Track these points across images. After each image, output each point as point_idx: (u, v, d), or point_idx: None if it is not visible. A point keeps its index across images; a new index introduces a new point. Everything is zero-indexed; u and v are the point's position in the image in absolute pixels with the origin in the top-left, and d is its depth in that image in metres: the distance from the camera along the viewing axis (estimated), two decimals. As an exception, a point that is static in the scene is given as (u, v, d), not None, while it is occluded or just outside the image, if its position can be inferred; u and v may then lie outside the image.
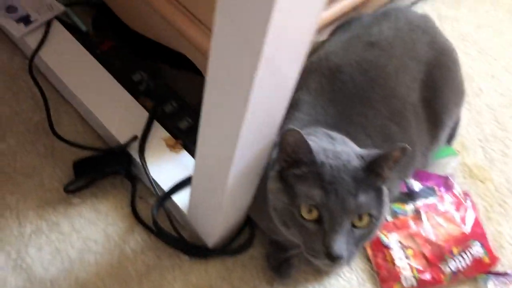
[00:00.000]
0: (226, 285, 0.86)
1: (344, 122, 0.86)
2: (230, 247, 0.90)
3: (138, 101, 0.99)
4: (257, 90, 0.54)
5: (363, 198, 0.68)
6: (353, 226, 0.69)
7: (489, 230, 1.03)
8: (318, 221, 0.68)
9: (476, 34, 1.42)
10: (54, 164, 0.94)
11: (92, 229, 0.88)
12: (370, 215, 0.69)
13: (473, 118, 1.23)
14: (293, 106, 0.87)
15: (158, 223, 0.86)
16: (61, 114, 1.00)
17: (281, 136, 0.69)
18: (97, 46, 1.05)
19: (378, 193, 0.71)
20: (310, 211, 0.68)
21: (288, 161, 0.71)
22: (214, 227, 0.81)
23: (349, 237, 0.68)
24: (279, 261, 0.89)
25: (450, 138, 1.12)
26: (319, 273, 0.91)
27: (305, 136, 0.67)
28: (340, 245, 0.67)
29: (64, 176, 0.92)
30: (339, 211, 0.67)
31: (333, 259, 0.67)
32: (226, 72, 0.56)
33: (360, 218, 0.69)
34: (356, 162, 0.70)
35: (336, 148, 0.73)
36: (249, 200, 0.83)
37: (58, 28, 1.05)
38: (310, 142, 0.69)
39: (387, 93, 0.90)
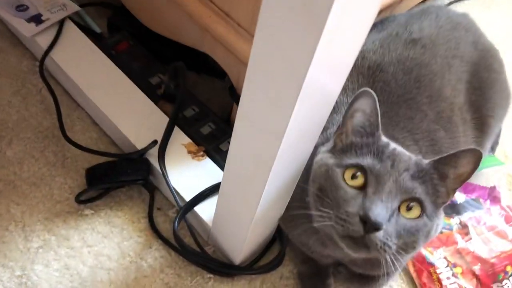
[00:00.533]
0: (255, 307, 0.77)
1: (389, 126, 0.78)
2: (258, 264, 0.81)
3: (156, 105, 0.91)
4: (301, 103, 0.48)
5: (419, 185, 0.60)
6: (399, 213, 0.59)
7: (541, 247, 0.93)
8: (361, 188, 0.59)
9: (508, 37, 1.35)
10: (65, 173, 0.85)
11: (106, 243, 0.79)
12: (422, 209, 0.60)
13: (513, 126, 1.14)
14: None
15: (179, 238, 0.77)
16: (73, 119, 0.92)
17: (353, 98, 0.62)
18: (112, 47, 0.98)
19: (437, 197, 0.62)
20: (355, 176, 0.60)
21: (348, 129, 0.63)
22: (241, 242, 0.72)
23: (391, 218, 0.58)
24: (315, 282, 0.80)
25: (493, 146, 1.03)
26: (358, 295, 0.82)
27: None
28: (381, 210, 0.57)
29: (76, 185, 0.84)
30: (390, 181, 0.58)
31: (368, 226, 0.56)
32: (267, 83, 0.48)
33: (408, 209, 0.59)
34: (421, 159, 0.63)
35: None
36: (281, 212, 0.74)
37: (71, 28, 0.98)
38: None
39: (433, 94, 0.82)
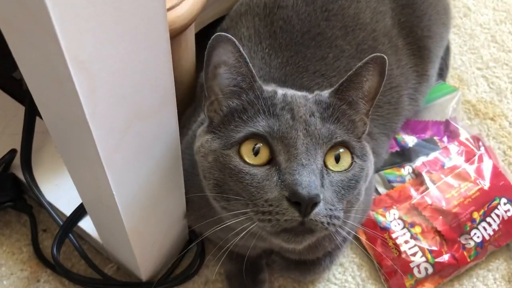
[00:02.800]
0: (177, 327, 0.63)
1: (296, 74, 0.63)
2: (173, 274, 0.66)
3: (23, 105, 0.73)
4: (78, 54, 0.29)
5: (334, 126, 0.46)
6: (328, 169, 0.46)
7: (515, 178, 0.79)
8: (271, 162, 0.45)
9: None
10: None
11: (-20, 288, 0.64)
12: (351, 154, 0.47)
13: (466, 44, 0.99)
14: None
15: (61, 264, 0.62)
16: None
17: (206, 52, 0.46)
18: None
19: (356, 128, 0.49)
20: (256, 151, 0.45)
21: (218, 94, 0.48)
22: (137, 253, 0.57)
23: (323, 180, 0.45)
24: (244, 280, 0.65)
25: (442, 72, 0.88)
26: (302, 286, 0.67)
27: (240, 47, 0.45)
28: (310, 178, 0.42)
29: None
30: (300, 137, 0.45)
31: (304, 204, 0.42)
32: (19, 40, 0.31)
33: (337, 159, 0.46)
34: (321, 93, 0.50)
35: None
36: (180, 209, 0.58)
37: None
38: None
39: (348, 23, 0.66)
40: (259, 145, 0.45)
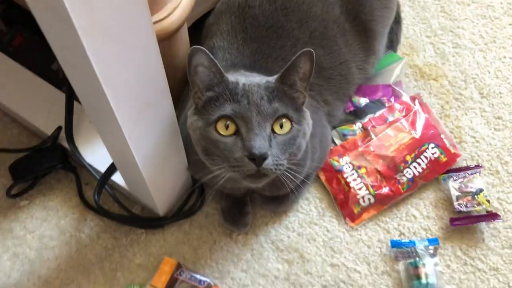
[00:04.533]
0: (187, 248, 0.87)
1: (262, 60, 0.83)
2: (182, 211, 0.90)
3: (61, 90, 0.96)
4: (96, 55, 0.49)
5: (278, 104, 0.67)
6: (275, 133, 0.67)
7: (448, 128, 0.99)
8: (236, 133, 0.66)
9: None
10: (-5, 174, 0.93)
11: (45, 226, 0.89)
12: (291, 122, 0.67)
13: (418, 15, 1.16)
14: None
15: (102, 207, 0.86)
16: (-9, 122, 0.99)
17: (187, 59, 0.66)
18: (8, 43, 1.01)
19: (296, 103, 0.69)
20: (226, 126, 0.66)
21: (199, 86, 0.68)
22: (154, 197, 0.81)
23: (271, 142, 0.65)
24: (234, 212, 0.89)
25: (393, 44, 1.06)
26: (277, 215, 0.91)
27: (210, 54, 0.65)
28: (260, 143, 0.64)
29: (8, 183, 0.92)
30: (254, 116, 0.65)
31: (257, 159, 0.63)
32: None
33: (281, 126, 0.67)
34: (269, 80, 0.69)
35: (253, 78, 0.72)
36: (182, 163, 0.81)
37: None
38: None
39: (302, 17, 0.85)
40: (228, 122, 0.66)
